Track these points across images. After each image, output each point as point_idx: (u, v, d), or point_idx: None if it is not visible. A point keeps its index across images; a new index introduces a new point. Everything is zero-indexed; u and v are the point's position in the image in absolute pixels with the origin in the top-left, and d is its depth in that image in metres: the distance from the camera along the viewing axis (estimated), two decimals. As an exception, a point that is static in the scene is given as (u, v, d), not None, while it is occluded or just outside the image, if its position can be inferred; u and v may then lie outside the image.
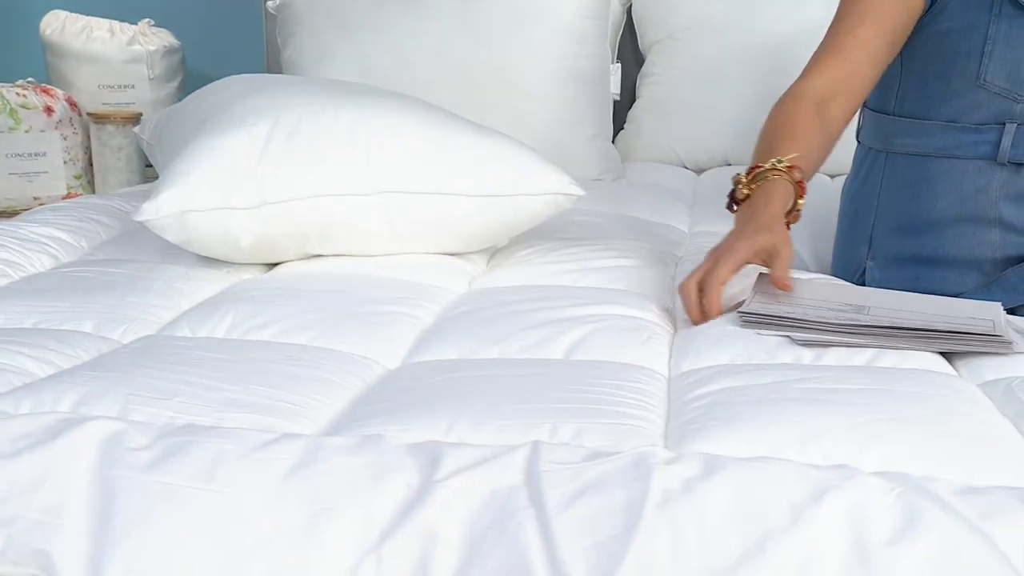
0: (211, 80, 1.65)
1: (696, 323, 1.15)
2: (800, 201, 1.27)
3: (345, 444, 0.79)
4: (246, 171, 1.32)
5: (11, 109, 2.22)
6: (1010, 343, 1.06)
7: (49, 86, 2.32)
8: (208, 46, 2.61)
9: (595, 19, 2.06)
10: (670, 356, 1.09)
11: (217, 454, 0.77)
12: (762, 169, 1.27)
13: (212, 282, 1.31)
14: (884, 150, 1.46)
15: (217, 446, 0.78)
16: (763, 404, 0.89)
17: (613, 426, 0.86)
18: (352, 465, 0.77)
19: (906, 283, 1.40)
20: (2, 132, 2.22)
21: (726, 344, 1.08)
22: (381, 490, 0.75)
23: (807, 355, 1.05)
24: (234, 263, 1.37)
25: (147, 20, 2.44)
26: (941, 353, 1.07)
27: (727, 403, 0.91)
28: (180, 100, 1.94)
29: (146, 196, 1.33)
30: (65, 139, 2.28)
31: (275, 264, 1.39)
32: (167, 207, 1.28)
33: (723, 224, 1.67)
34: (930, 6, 1.37)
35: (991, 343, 1.06)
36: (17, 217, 1.58)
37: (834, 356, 1.04)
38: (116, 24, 2.40)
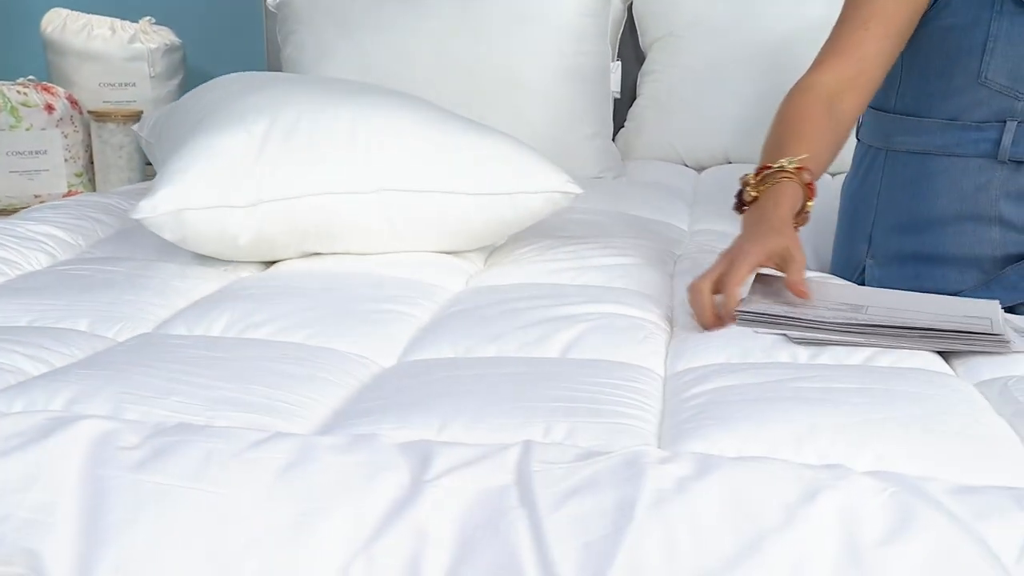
0: (212, 78, 1.65)
1: (707, 327, 1.11)
2: (809, 204, 1.25)
3: (337, 443, 0.79)
4: (244, 169, 1.32)
5: (12, 107, 2.23)
6: (1008, 342, 1.05)
7: (50, 84, 2.32)
8: (209, 44, 2.61)
9: (594, 17, 2.06)
10: (666, 355, 1.09)
11: (208, 453, 0.77)
12: (771, 170, 1.24)
13: (209, 280, 1.31)
14: (884, 148, 1.46)
15: (209, 445, 0.78)
16: (758, 403, 0.89)
17: (607, 425, 0.86)
18: (344, 464, 0.76)
19: (906, 281, 1.40)
20: (3, 130, 2.22)
21: (723, 343, 1.07)
22: (373, 489, 0.75)
23: (803, 354, 1.04)
24: (232, 261, 1.36)
25: (148, 18, 2.44)
26: (938, 352, 1.07)
27: (722, 402, 0.90)
28: (181, 98, 1.94)
29: (144, 194, 1.33)
30: (66, 137, 2.28)
31: (273, 262, 1.39)
32: (164, 205, 1.28)
33: (723, 223, 1.68)
34: (934, 2, 1.36)
35: (990, 342, 1.05)
36: (15, 215, 1.57)
37: (830, 355, 1.04)
38: (117, 22, 2.40)
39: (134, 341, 1.08)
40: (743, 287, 1.18)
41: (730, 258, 1.14)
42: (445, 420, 0.87)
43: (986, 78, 1.34)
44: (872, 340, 1.06)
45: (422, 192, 1.35)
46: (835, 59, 1.36)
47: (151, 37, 2.41)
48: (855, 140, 1.53)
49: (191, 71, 2.50)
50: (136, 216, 1.28)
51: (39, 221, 1.50)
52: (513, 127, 1.63)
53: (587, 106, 2.04)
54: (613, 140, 2.17)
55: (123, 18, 2.41)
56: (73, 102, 2.31)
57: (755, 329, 1.09)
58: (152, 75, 2.41)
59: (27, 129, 2.24)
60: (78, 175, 2.30)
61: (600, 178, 2.00)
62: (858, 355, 1.04)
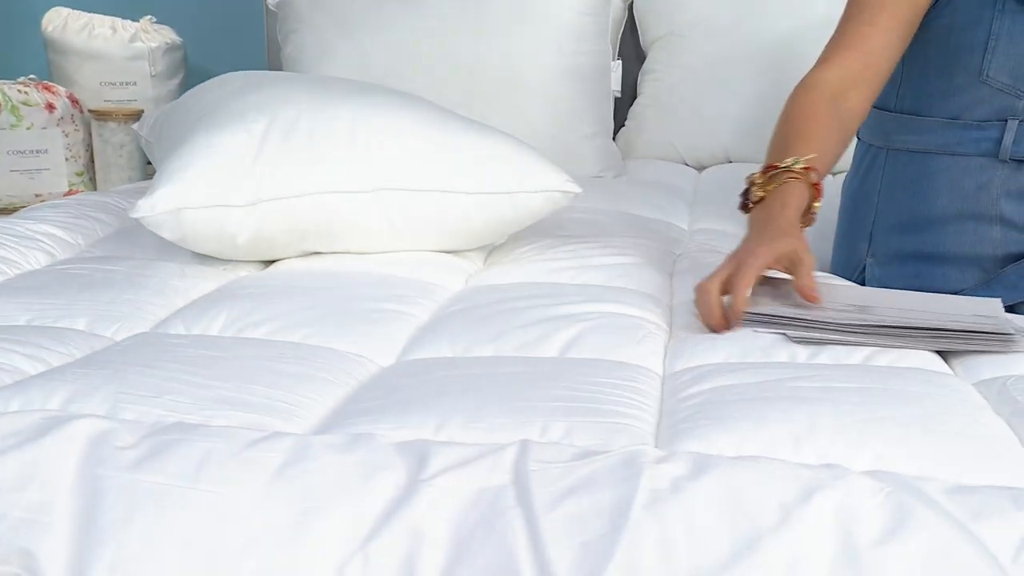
0: (212, 77, 1.65)
1: (715, 330, 1.10)
2: (816, 204, 1.23)
3: (334, 443, 0.79)
4: (243, 168, 1.32)
5: (13, 106, 2.22)
6: (1014, 341, 1.05)
7: (51, 83, 2.32)
8: (209, 43, 2.61)
9: (594, 16, 2.06)
10: (665, 355, 1.08)
11: (205, 453, 0.77)
12: (778, 170, 1.23)
13: (208, 279, 1.31)
14: (884, 147, 1.45)
15: (205, 445, 0.78)
16: (756, 403, 0.89)
17: (604, 425, 0.86)
18: (341, 464, 0.76)
19: (906, 280, 1.40)
20: (4, 129, 2.22)
21: (722, 343, 1.07)
22: (370, 488, 0.75)
23: (802, 354, 1.04)
24: (231, 260, 1.36)
25: (149, 17, 2.43)
26: (937, 351, 1.07)
27: (720, 402, 0.90)
28: (180, 97, 1.94)
29: (143, 193, 1.32)
30: (67, 136, 2.28)
31: (272, 261, 1.39)
32: (163, 204, 1.28)
33: (724, 222, 1.68)
34: (936, 0, 1.36)
35: (999, 341, 1.05)
36: (14, 214, 1.57)
37: (829, 355, 1.04)
38: (118, 21, 2.40)
39: (132, 340, 1.08)
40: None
41: (738, 260, 1.13)
42: (442, 419, 0.86)
43: (987, 76, 1.34)
44: (880, 340, 1.05)
45: (421, 191, 1.35)
46: (841, 54, 1.35)
47: (152, 36, 2.41)
48: (855, 139, 1.53)
49: (192, 70, 2.50)
50: (135, 215, 1.28)
51: (38, 220, 1.50)
52: (513, 126, 1.63)
53: (587, 105, 2.04)
54: (614, 139, 2.17)
55: (124, 17, 2.41)
56: (74, 101, 2.31)
57: (763, 331, 1.08)
58: (153, 74, 2.41)
59: (28, 128, 2.24)
60: (79, 174, 2.30)
61: (600, 177, 2.00)
62: (857, 355, 1.04)
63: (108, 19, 2.40)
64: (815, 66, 1.36)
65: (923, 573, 0.66)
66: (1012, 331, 1.06)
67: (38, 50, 2.46)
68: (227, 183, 1.30)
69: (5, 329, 1.09)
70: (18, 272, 1.34)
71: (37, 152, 2.25)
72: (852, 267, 1.48)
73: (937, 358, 1.05)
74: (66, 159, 2.28)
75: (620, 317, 1.15)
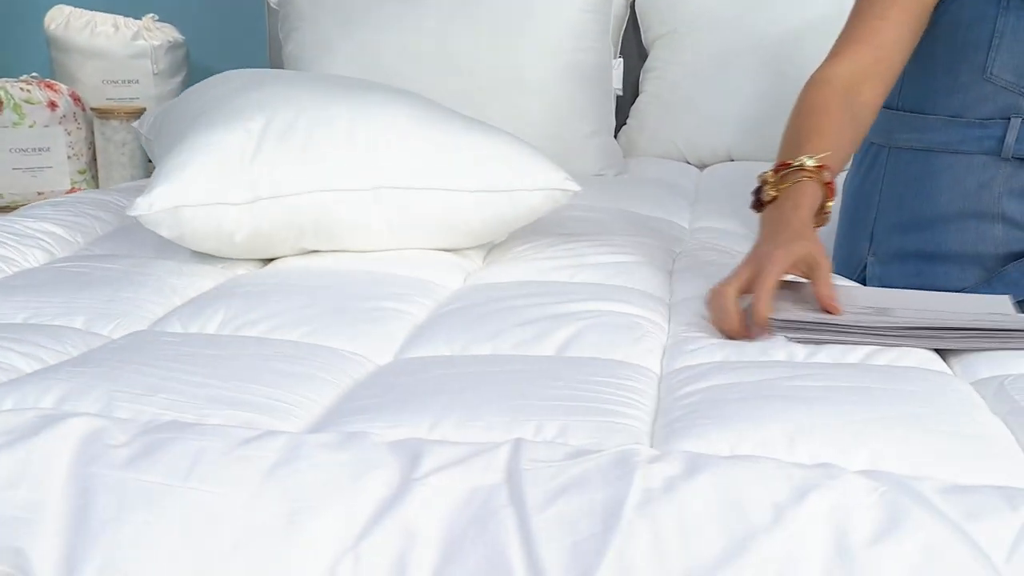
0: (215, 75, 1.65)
1: (734, 336, 1.08)
2: (829, 203, 1.21)
3: (326, 441, 0.78)
4: (241, 166, 1.31)
5: (15, 104, 2.23)
6: None
7: (53, 81, 2.32)
8: (211, 41, 2.61)
9: (595, 13, 2.05)
10: (663, 353, 1.08)
11: (197, 451, 0.77)
12: (790, 168, 1.21)
13: (206, 277, 1.31)
14: (886, 145, 1.45)
15: (198, 443, 0.77)
16: (751, 402, 0.88)
17: (599, 424, 0.85)
18: (333, 463, 0.76)
19: (907, 279, 1.39)
20: (6, 127, 2.22)
21: (720, 342, 1.07)
22: (362, 488, 0.74)
23: (800, 353, 1.04)
24: (229, 258, 1.36)
25: (151, 15, 2.43)
26: (936, 350, 1.06)
27: (715, 401, 0.90)
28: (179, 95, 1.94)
29: (142, 191, 1.32)
30: (69, 134, 2.28)
31: (270, 259, 1.39)
32: (160, 202, 1.28)
33: (725, 220, 1.67)
34: None
35: (1016, 337, 1.05)
36: (13, 212, 1.57)
37: (827, 354, 1.03)
38: (120, 19, 2.40)
39: (128, 339, 1.07)
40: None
41: (756, 265, 1.10)
42: (438, 418, 0.86)
43: (991, 74, 1.33)
44: (901, 341, 1.05)
45: (420, 189, 1.35)
46: (852, 49, 1.33)
47: (154, 34, 2.41)
48: (857, 137, 1.52)
49: (194, 68, 2.50)
50: (132, 213, 1.28)
51: (38, 218, 1.50)
52: (514, 124, 1.63)
53: (588, 103, 2.03)
54: (615, 137, 2.17)
55: (126, 15, 2.41)
56: (76, 99, 2.31)
57: (787, 336, 1.06)
58: (155, 72, 2.41)
59: (30, 126, 2.24)
60: (81, 172, 2.30)
61: (601, 175, 2.00)
62: (855, 354, 1.03)
63: (110, 17, 2.40)
64: (826, 61, 1.35)
65: (917, 573, 0.66)
66: None
67: (41, 48, 2.46)
68: (225, 181, 1.30)
69: (2, 327, 1.09)
70: (16, 270, 1.34)
71: (39, 150, 2.25)
72: (853, 266, 1.47)
73: (936, 357, 1.05)
74: (68, 157, 2.28)
75: (618, 316, 1.14)
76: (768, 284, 1.07)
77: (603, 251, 1.39)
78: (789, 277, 1.13)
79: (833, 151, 1.23)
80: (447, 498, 0.73)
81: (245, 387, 0.93)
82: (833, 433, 0.82)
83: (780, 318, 1.07)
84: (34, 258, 1.39)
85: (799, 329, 1.07)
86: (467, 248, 1.43)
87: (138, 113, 2.24)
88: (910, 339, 1.05)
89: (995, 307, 1.12)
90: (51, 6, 2.42)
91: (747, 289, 1.09)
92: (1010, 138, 1.34)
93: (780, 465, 0.74)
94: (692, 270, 1.34)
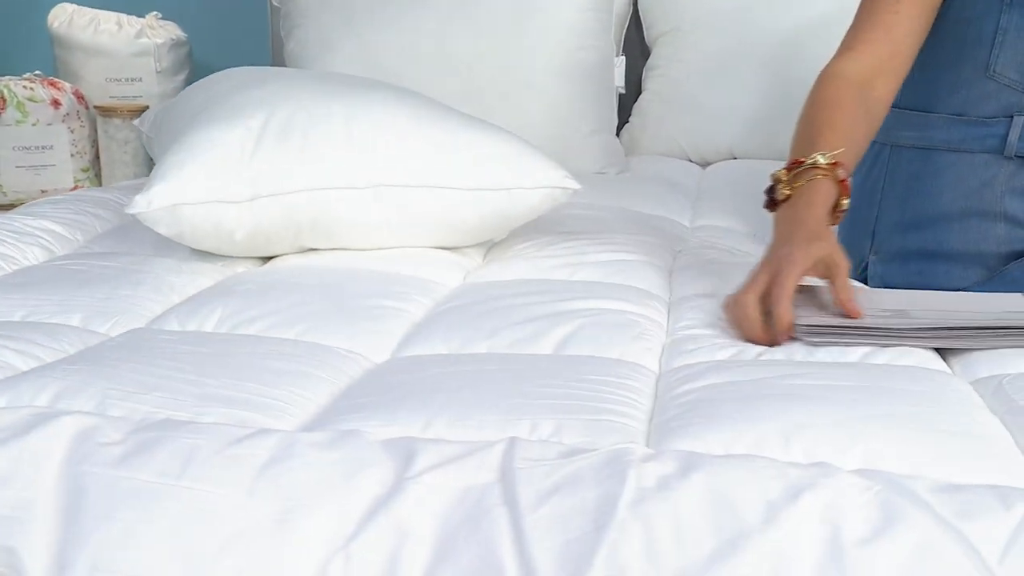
0: (217, 73, 1.65)
1: (759, 343, 1.05)
2: (844, 201, 1.19)
3: (319, 440, 0.78)
4: (240, 164, 1.31)
5: (18, 102, 2.23)
6: None
7: (56, 79, 2.32)
8: (214, 39, 2.61)
9: (597, 12, 2.05)
10: (662, 352, 1.08)
11: (190, 450, 0.76)
12: (803, 166, 1.18)
13: (205, 276, 1.31)
14: (888, 143, 1.44)
15: (190, 441, 0.77)
16: (747, 401, 0.88)
17: (594, 423, 0.85)
18: (326, 461, 0.76)
19: (909, 278, 1.39)
20: (9, 125, 2.22)
21: (719, 340, 1.06)
22: (355, 486, 0.74)
23: (799, 352, 1.03)
24: (228, 256, 1.36)
25: (154, 13, 2.44)
26: (936, 349, 1.06)
27: (712, 400, 0.89)
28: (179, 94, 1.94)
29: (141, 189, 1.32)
30: (72, 132, 2.28)
31: (269, 258, 1.39)
32: (159, 200, 1.28)
33: (726, 219, 1.67)
34: None
35: None
36: (14, 210, 1.57)
37: (826, 353, 1.03)
38: (123, 17, 2.40)
39: (124, 337, 1.07)
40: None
41: (774, 268, 1.08)
42: (432, 416, 0.86)
43: (994, 72, 1.33)
44: (924, 343, 1.04)
45: (419, 187, 1.34)
46: (866, 42, 1.32)
47: (157, 32, 2.41)
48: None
49: (197, 66, 2.50)
50: (131, 211, 1.28)
51: (37, 216, 1.50)
52: (515, 123, 1.63)
53: (590, 102, 2.03)
54: (618, 135, 2.16)
55: (129, 13, 2.42)
56: (79, 97, 2.31)
57: (810, 341, 1.04)
58: (158, 70, 2.41)
59: (33, 124, 2.24)
60: (84, 170, 2.30)
61: (603, 174, 1.99)
62: (854, 353, 1.03)
63: (114, 15, 2.40)
64: (838, 55, 1.34)
65: (909, 572, 0.65)
66: None
67: (44, 46, 2.46)
68: (225, 179, 1.30)
69: (-1, 325, 1.09)
70: (16, 268, 1.34)
71: (42, 148, 2.26)
72: (854, 265, 1.46)
73: (936, 356, 1.04)
74: (71, 155, 2.28)
75: (617, 314, 1.14)
76: (788, 288, 1.05)
77: (603, 249, 1.39)
78: (806, 279, 1.10)
79: (846, 147, 1.21)
80: (440, 497, 0.73)
81: (240, 385, 0.93)
82: (829, 432, 0.82)
83: (804, 323, 1.05)
84: (33, 256, 1.39)
85: (823, 334, 1.05)
86: (466, 246, 1.43)
87: (141, 111, 2.25)
88: (933, 340, 1.05)
89: (1011, 305, 1.12)
90: (54, 4, 2.42)
91: (766, 293, 1.07)
92: (1013, 136, 1.34)
93: (774, 464, 0.74)
94: (693, 269, 1.34)
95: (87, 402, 0.87)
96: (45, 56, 2.47)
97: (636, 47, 2.33)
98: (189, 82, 2.45)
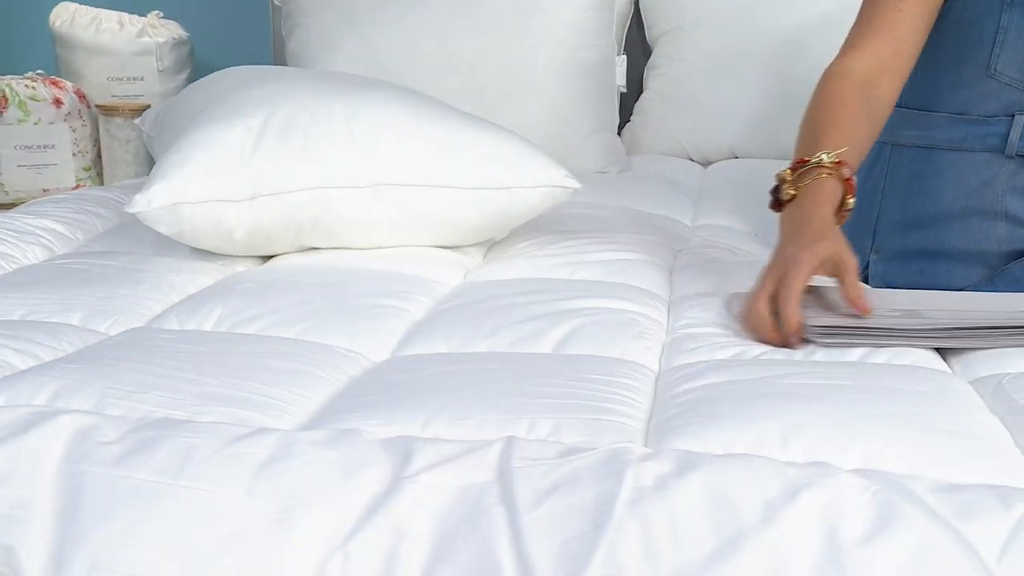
0: (218, 72, 1.65)
1: (776, 345, 1.05)
2: (849, 200, 1.19)
3: (318, 439, 0.78)
4: (241, 163, 1.31)
5: (20, 101, 2.23)
6: None
7: (58, 78, 2.33)
8: (216, 38, 2.62)
9: (598, 11, 2.05)
10: (662, 351, 1.08)
11: (188, 449, 0.76)
12: (808, 165, 1.18)
13: (205, 274, 1.31)
14: (889, 142, 1.44)
15: (189, 441, 0.77)
16: (747, 400, 0.88)
17: (593, 422, 0.85)
18: (324, 460, 0.76)
19: (910, 277, 1.39)
20: (11, 124, 2.23)
21: (719, 339, 1.06)
22: (353, 485, 0.74)
23: (799, 351, 1.03)
24: (228, 255, 1.36)
25: (156, 12, 2.44)
26: (936, 349, 1.06)
27: (711, 399, 0.89)
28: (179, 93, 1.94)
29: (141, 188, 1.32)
30: (74, 131, 2.28)
31: (270, 257, 1.39)
32: (159, 199, 1.28)
33: (727, 218, 1.67)
34: None
35: None
36: (14, 209, 1.57)
37: (826, 352, 1.03)
38: (125, 16, 2.41)
39: (124, 336, 1.07)
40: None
41: (781, 270, 1.07)
42: (431, 415, 0.86)
43: (995, 70, 1.33)
44: (935, 343, 1.04)
45: (420, 186, 1.34)
46: (869, 41, 1.31)
47: (159, 31, 2.42)
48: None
49: (199, 65, 2.50)
50: (131, 210, 1.28)
51: (38, 215, 1.50)
52: (516, 122, 1.63)
53: (591, 101, 2.03)
54: (619, 134, 2.16)
55: (131, 12, 2.42)
56: (81, 96, 2.31)
57: (821, 342, 1.04)
58: (160, 69, 2.41)
59: (35, 123, 2.24)
60: (86, 169, 2.31)
61: (604, 173, 1.99)
62: (854, 352, 1.03)
63: (115, 14, 2.41)
64: (841, 53, 1.33)
65: (908, 572, 0.65)
66: None
67: (46, 45, 2.47)
68: (225, 177, 1.30)
69: (-1, 324, 1.09)
70: (16, 267, 1.34)
71: (44, 147, 2.26)
72: (856, 264, 1.47)
73: (936, 356, 1.04)
74: (73, 154, 2.28)
75: (617, 313, 1.14)
76: (795, 290, 1.04)
77: (604, 248, 1.39)
78: (816, 279, 1.10)
79: (850, 146, 1.21)
80: (438, 496, 0.72)
81: (239, 384, 0.93)
82: (828, 432, 0.82)
83: (815, 324, 1.05)
84: (34, 255, 1.39)
85: (834, 334, 1.04)
86: (467, 245, 1.43)
87: (143, 110, 2.24)
88: (945, 340, 1.04)
89: (1020, 304, 1.11)
90: (56, 3, 2.42)
91: (775, 295, 1.06)
92: (1014, 135, 1.33)
93: (772, 464, 0.74)
94: (694, 268, 1.34)
95: (86, 401, 0.87)
96: (47, 55, 2.47)
97: (637, 46, 2.33)
98: (191, 81, 2.45)
